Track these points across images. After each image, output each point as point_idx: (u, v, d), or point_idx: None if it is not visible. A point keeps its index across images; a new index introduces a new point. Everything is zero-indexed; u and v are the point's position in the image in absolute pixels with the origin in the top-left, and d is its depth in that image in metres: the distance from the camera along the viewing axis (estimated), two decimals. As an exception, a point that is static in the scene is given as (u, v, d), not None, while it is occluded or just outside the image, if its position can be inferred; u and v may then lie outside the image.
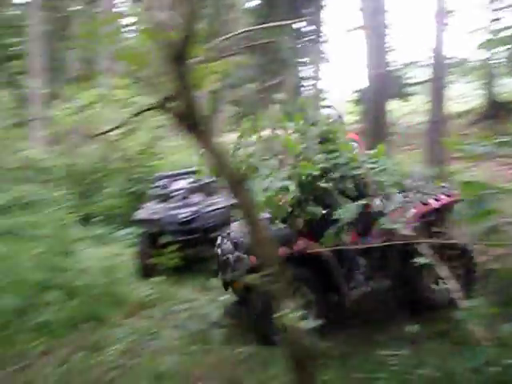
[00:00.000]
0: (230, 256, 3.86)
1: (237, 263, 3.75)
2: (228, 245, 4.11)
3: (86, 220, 7.45)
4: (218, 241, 4.48)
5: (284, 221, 3.63)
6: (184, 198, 5.95)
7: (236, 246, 3.93)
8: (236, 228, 4.33)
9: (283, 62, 16.21)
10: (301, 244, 3.67)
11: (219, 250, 4.23)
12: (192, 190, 6.07)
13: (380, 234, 3.76)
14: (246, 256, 3.70)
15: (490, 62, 14.37)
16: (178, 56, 1.49)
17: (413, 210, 3.83)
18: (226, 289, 4.22)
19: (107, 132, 2.17)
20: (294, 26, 15.91)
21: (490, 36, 8.46)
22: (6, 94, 12.62)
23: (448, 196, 4.07)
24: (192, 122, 1.56)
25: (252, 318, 3.73)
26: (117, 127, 1.99)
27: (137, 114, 1.87)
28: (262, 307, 3.53)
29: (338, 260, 3.72)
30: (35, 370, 3.43)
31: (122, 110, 8.12)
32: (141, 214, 6.01)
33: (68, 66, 16.34)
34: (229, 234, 4.34)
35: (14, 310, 4.04)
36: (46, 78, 14.22)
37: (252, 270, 3.43)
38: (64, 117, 9.33)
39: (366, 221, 3.66)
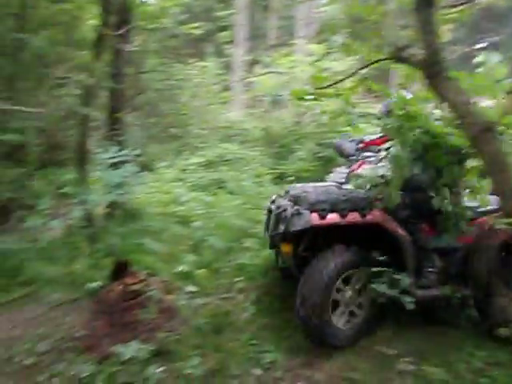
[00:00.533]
0: (289, 209, 3.16)
1: (295, 218, 3.03)
2: (285, 201, 3.44)
3: (278, 179, 7.97)
4: (273, 197, 3.89)
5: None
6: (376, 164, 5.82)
7: (296, 201, 3.24)
8: (296, 187, 3.71)
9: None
10: (376, 215, 3.09)
11: (273, 206, 3.57)
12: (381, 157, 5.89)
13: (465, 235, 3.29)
14: (307, 212, 3.01)
15: None
16: (426, 1, 1.41)
17: None
18: (273, 248, 3.71)
19: (323, 88, 2.22)
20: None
21: None
22: (213, 62, 14.09)
23: None
24: (435, 70, 1.48)
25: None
26: (336, 82, 2.02)
27: (365, 67, 1.86)
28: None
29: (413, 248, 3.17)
30: (234, 302, 3.91)
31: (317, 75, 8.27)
32: (332, 177, 6.12)
33: (268, 34, 17.30)
34: (287, 191, 3.67)
35: (220, 250, 4.64)
36: (249, 46, 15.38)
37: (314, 231, 3.09)
38: (264, 82, 10.01)
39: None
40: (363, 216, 3.07)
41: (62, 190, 6.01)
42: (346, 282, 3.11)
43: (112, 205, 5.39)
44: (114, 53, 5.77)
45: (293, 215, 3.04)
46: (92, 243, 4.50)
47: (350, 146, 3.88)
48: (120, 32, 5.17)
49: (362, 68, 1.86)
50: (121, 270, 3.63)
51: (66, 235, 4.96)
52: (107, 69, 5.81)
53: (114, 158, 3.90)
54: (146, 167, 7.82)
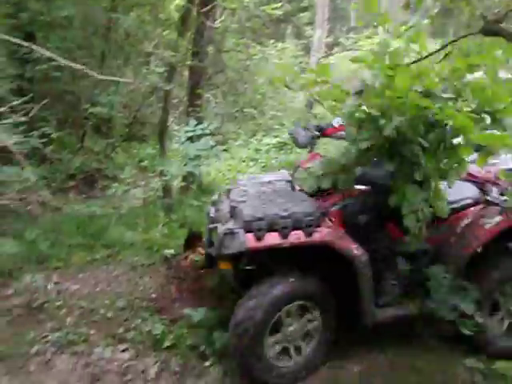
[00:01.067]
0: (220, 227, 2.60)
1: (228, 238, 2.45)
2: (224, 208, 2.84)
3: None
4: (215, 196, 3.34)
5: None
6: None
7: (232, 214, 2.63)
8: (239, 185, 3.07)
9: None
10: (324, 233, 2.49)
11: (212, 210, 3.02)
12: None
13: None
14: (241, 232, 2.42)
15: None
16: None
17: None
18: (210, 266, 3.13)
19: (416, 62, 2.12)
20: None
21: None
22: (293, 43, 13.98)
23: None
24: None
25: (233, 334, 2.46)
26: (426, 57, 1.92)
27: (453, 42, 1.75)
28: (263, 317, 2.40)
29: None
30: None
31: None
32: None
33: (349, 16, 16.80)
34: (229, 190, 3.05)
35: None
36: (329, 27, 15.02)
37: (250, 255, 2.52)
38: (342, 64, 9.76)
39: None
40: (309, 235, 2.47)
41: (142, 163, 6.39)
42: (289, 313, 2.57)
43: (188, 179, 5.62)
44: (197, 31, 5.93)
45: (225, 235, 2.47)
46: (168, 213, 4.74)
47: (303, 135, 3.12)
48: (205, 9, 5.29)
49: (451, 42, 1.74)
50: (194, 240, 3.81)
51: (145, 204, 5.27)
52: (190, 47, 6.00)
53: (192, 131, 4.05)
54: (221, 145, 8.02)
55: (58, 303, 3.25)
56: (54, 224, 4.39)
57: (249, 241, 2.40)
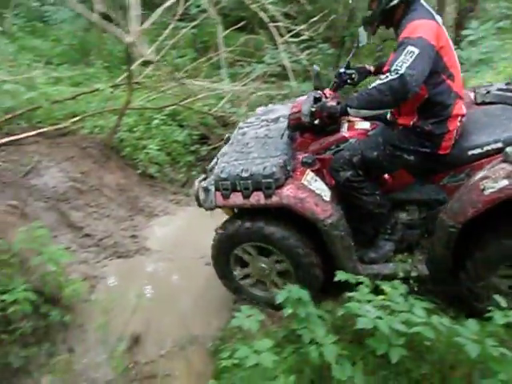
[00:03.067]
0: (196, 183, 2.66)
1: (204, 194, 2.57)
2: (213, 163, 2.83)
3: None
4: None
5: None
6: None
7: (211, 169, 2.71)
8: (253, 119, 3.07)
9: None
10: (284, 195, 2.36)
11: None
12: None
13: None
14: (212, 190, 2.52)
15: None
16: None
17: None
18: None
19: None
20: None
21: None
22: None
23: None
24: None
25: None
26: None
27: None
28: None
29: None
30: None
31: None
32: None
33: None
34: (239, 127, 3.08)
35: None
36: None
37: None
38: None
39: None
40: (268, 197, 2.37)
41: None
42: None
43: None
44: None
45: (202, 190, 2.61)
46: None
47: None
48: None
49: None
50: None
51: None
52: None
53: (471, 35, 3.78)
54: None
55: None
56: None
57: (218, 199, 2.53)
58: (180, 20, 6.40)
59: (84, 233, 3.69)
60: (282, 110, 3.10)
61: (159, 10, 6.30)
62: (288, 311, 1.91)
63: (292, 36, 5.67)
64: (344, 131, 2.56)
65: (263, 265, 2.67)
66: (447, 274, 2.35)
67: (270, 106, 3.40)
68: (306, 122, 2.37)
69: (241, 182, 2.44)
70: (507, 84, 2.61)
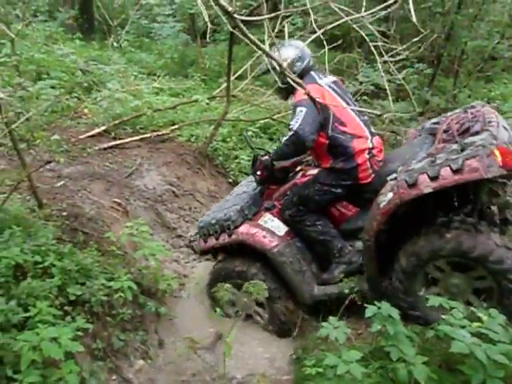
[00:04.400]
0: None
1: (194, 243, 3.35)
2: None
3: None
4: None
5: None
6: None
7: None
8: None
9: None
10: (239, 233, 2.92)
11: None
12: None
13: None
14: (198, 237, 3.25)
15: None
16: None
17: None
18: None
19: None
20: None
21: None
22: None
23: None
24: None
25: None
26: None
27: None
28: None
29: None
30: None
31: None
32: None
33: None
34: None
35: None
36: None
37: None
38: None
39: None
40: (229, 236, 2.96)
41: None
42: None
43: None
44: None
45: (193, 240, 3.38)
46: None
47: None
48: None
49: None
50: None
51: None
52: None
53: None
54: None
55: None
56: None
57: (200, 244, 3.13)
58: (276, 37, 6.62)
59: (177, 233, 3.95)
60: None
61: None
62: (376, 327, 1.91)
63: (388, 54, 5.60)
64: (297, 178, 3.05)
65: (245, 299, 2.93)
66: (380, 286, 2.61)
67: None
68: (256, 177, 3.02)
69: (211, 228, 3.02)
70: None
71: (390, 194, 2.35)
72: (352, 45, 7.25)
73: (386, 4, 2.90)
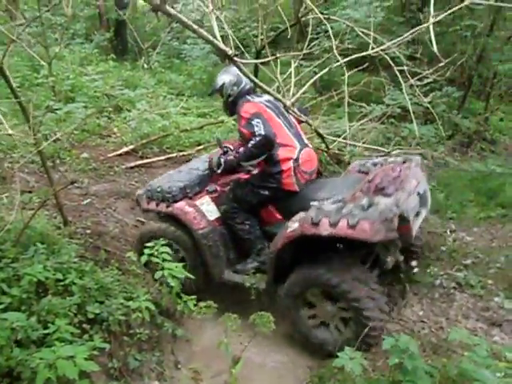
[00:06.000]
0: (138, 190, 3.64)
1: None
2: None
3: None
4: None
5: None
6: None
7: None
8: None
9: None
10: (176, 207, 3.27)
11: None
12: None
13: None
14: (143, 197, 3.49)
15: None
16: None
17: None
18: None
19: None
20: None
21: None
22: None
23: None
24: None
25: None
26: None
27: None
28: None
29: None
30: None
31: None
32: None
33: None
34: None
35: None
36: None
37: None
38: None
39: None
40: (167, 207, 3.28)
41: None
42: None
43: None
44: None
45: (140, 196, 3.53)
46: None
47: None
48: None
49: None
50: None
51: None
52: None
53: None
54: None
55: (454, 248, 3.55)
56: (447, 178, 4.69)
57: (143, 203, 3.41)
58: (303, 59, 6.67)
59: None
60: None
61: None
62: (394, 360, 1.85)
63: (415, 77, 5.55)
64: (241, 173, 3.29)
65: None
66: (274, 293, 2.92)
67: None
68: (214, 169, 3.23)
69: (155, 194, 3.31)
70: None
71: (297, 224, 2.67)
72: (379, 67, 7.22)
73: (414, 30, 2.90)
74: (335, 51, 3.67)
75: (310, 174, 3.14)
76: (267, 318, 1.95)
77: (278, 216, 3.13)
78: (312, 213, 2.62)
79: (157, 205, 3.34)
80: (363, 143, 4.73)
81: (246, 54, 3.34)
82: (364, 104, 5.69)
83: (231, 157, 3.14)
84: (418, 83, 5.76)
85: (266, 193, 3.08)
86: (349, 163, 4.77)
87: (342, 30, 5.61)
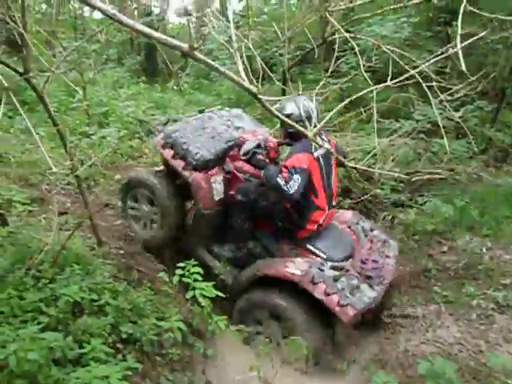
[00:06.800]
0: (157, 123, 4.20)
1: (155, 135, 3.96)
2: None
3: None
4: None
5: None
6: None
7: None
8: None
9: None
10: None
11: None
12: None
13: None
14: (159, 136, 3.60)
15: None
16: None
17: None
18: None
19: None
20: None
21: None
22: None
23: None
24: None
25: None
26: None
27: None
28: None
29: None
30: None
31: None
32: None
33: None
34: None
35: None
36: None
37: None
38: None
39: None
40: (183, 169, 3.30)
41: None
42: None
43: None
44: None
45: (157, 131, 3.78)
46: None
47: None
48: None
49: None
50: None
51: None
52: None
53: None
54: None
55: (491, 267, 3.43)
56: (481, 194, 4.56)
57: (158, 145, 3.48)
58: (330, 76, 6.70)
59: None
60: (247, 123, 3.77)
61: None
62: (430, 386, 1.80)
63: (445, 92, 5.47)
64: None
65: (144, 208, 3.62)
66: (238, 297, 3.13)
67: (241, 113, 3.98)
68: (240, 155, 3.19)
69: (177, 146, 3.28)
70: None
71: (298, 272, 2.78)
72: (407, 82, 7.14)
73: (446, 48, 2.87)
74: (362, 68, 3.68)
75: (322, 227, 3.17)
76: (299, 343, 1.95)
77: (272, 230, 3.24)
78: (315, 270, 2.76)
79: (173, 157, 3.32)
80: (392, 160, 4.69)
81: (272, 75, 3.35)
82: (393, 120, 5.64)
83: (261, 157, 3.11)
84: (449, 98, 5.67)
85: (279, 223, 3.13)
86: (378, 181, 4.74)
87: (368, 47, 5.61)
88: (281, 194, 2.86)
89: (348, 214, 3.52)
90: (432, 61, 1.95)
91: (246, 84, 1.58)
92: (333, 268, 2.87)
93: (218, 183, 3.27)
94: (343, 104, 1.93)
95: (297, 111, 2.99)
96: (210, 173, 3.26)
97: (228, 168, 3.32)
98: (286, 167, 2.84)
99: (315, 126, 1.83)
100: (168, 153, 3.34)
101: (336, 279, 2.74)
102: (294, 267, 2.80)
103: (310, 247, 3.05)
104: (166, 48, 9.45)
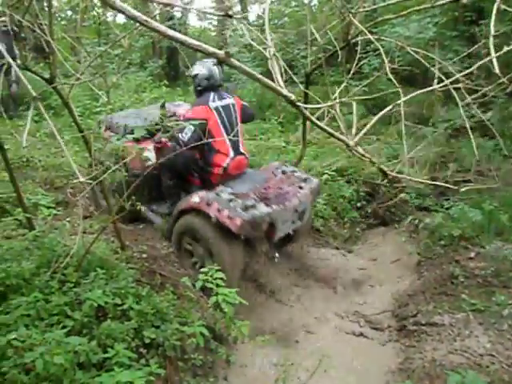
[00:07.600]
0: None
1: None
2: None
3: None
4: None
5: None
6: None
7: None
8: None
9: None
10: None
11: None
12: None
13: None
14: None
15: None
16: None
17: None
18: None
19: None
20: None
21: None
22: None
23: None
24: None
25: None
26: None
27: None
28: None
29: None
30: None
31: None
32: None
33: None
34: None
35: None
36: None
37: None
38: None
39: None
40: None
41: None
42: None
43: None
44: None
45: None
46: None
47: None
48: None
49: None
50: None
51: None
52: None
53: None
54: None
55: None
56: (510, 198, 4.41)
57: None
58: (351, 78, 6.61)
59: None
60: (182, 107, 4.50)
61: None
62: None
63: (471, 93, 5.32)
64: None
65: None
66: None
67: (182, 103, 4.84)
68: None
69: (112, 126, 4.23)
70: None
71: (197, 199, 3.32)
72: (432, 83, 6.98)
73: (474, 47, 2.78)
74: (388, 70, 3.62)
75: (235, 175, 3.67)
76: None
77: (198, 183, 3.74)
78: (211, 195, 3.27)
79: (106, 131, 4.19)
80: (423, 165, 4.58)
81: (295, 77, 3.33)
82: (418, 123, 5.52)
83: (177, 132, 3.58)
84: (474, 101, 5.50)
85: (195, 175, 3.72)
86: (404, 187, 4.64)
87: (391, 48, 5.51)
88: (178, 143, 3.39)
89: (274, 163, 4.10)
90: (468, 72, 1.89)
91: (285, 91, 1.55)
92: (231, 194, 3.32)
93: (150, 151, 3.83)
94: (384, 112, 1.89)
95: (202, 71, 3.60)
96: (140, 142, 3.66)
97: (157, 139, 3.77)
98: (184, 117, 3.48)
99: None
100: (108, 134, 4.09)
101: (230, 200, 3.21)
102: (197, 197, 3.32)
103: (221, 187, 3.46)
104: (188, 52, 9.52)
